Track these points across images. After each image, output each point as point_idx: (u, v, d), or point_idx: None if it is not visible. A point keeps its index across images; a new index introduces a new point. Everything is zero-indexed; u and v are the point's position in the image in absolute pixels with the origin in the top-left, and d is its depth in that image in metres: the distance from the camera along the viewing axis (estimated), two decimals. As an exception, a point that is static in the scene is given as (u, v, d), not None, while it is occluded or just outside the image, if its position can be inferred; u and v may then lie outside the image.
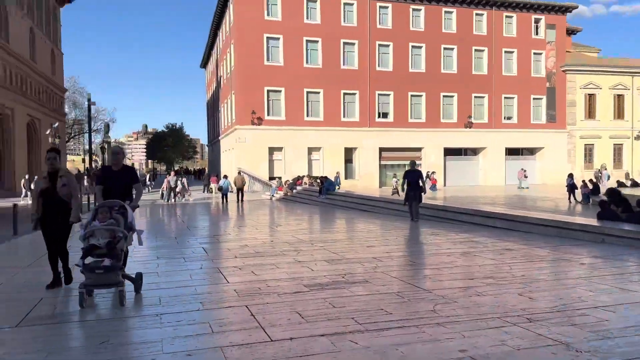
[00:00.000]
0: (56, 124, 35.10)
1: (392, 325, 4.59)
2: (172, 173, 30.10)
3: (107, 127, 77.52)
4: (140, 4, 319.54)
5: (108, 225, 5.58)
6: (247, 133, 38.22)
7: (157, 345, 4.12)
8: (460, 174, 42.11)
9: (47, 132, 34.93)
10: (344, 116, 39.27)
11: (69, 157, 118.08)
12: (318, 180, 28.26)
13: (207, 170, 72.81)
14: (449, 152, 41.84)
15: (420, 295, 5.70)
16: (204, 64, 69.43)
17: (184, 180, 29.53)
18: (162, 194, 28.11)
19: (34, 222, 6.14)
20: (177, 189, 27.75)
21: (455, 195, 26.90)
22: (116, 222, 5.66)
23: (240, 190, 26.38)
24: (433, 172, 36.29)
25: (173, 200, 27.18)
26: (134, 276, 5.93)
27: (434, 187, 33.00)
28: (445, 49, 41.44)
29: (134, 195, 6.65)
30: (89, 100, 70.14)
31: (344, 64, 39.21)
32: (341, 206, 21.76)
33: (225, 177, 28.39)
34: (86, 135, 78.51)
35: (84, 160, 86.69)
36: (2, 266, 8.10)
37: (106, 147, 69.42)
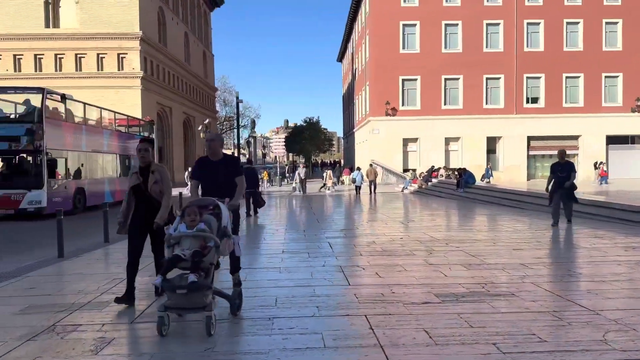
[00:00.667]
0: (207, 120, 37.96)
1: (547, 357, 3.57)
2: (302, 165, 30.71)
3: (252, 123, 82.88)
4: (282, 3, 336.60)
5: (197, 230, 4.33)
6: (381, 124, 37.63)
7: (262, 356, 3.67)
8: (626, 166, 36.61)
9: (199, 128, 38.02)
10: (486, 103, 36.52)
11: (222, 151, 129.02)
12: (456, 173, 26.55)
13: (342, 162, 74.00)
14: (613, 140, 36.60)
15: (584, 318, 4.51)
16: (340, 58, 70.24)
17: (300, 171, 29.63)
18: (294, 187, 28.81)
19: (120, 224, 5.24)
20: (297, 179, 28.17)
21: (622, 190, 23.19)
22: (208, 225, 4.41)
23: (372, 182, 25.89)
24: (601, 163, 32.22)
25: (301, 192, 27.57)
26: (230, 293, 4.75)
27: (604, 180, 29.27)
28: (607, 23, 36.21)
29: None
30: (237, 98, 75.39)
31: (486, 47, 36.41)
32: (482, 201, 20.03)
33: (358, 169, 28.06)
34: (235, 131, 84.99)
35: (233, 154, 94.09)
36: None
37: (251, 141, 74.58)
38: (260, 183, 17.86)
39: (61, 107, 16.48)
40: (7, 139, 14.77)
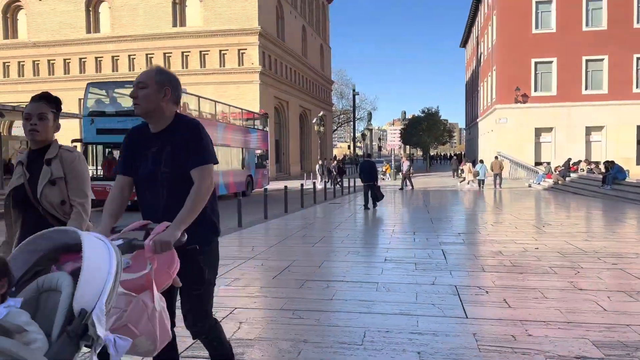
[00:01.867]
0: (321, 113, 37.65)
1: None
2: (404, 158, 28.74)
3: (369, 116, 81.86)
4: None
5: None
6: (509, 112, 34.34)
7: None
8: None
9: (314, 120, 37.83)
10: (636, 87, 31.39)
11: (338, 144, 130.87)
12: (601, 166, 22.88)
13: (463, 154, 69.80)
14: None
15: None
16: (464, 43, 66.15)
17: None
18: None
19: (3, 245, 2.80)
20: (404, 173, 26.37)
21: None
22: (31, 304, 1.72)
23: (497, 176, 23.33)
24: None
25: (408, 186, 25.75)
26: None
27: None
28: None
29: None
30: (353, 90, 74.83)
31: (638, 22, 31.22)
32: (634, 200, 16.73)
33: (481, 161, 25.52)
34: (351, 123, 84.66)
35: (349, 147, 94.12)
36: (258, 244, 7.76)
37: (367, 134, 73.54)
38: (382, 176, 17.42)
39: (175, 100, 16.77)
40: (125, 131, 15.23)
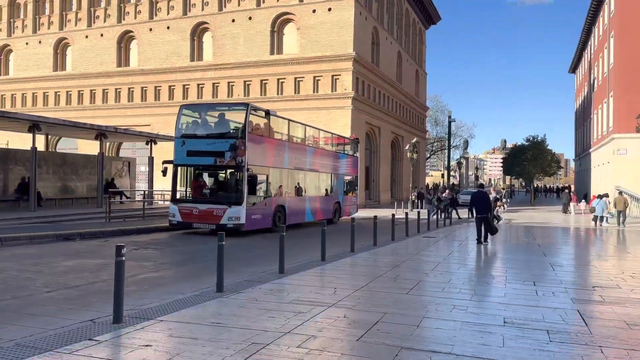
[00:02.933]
0: (414, 140, 36.07)
1: None
2: (444, 189, 26.18)
3: (465, 143, 78.37)
4: (500, 14, 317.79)
5: None
6: (629, 143, 30.83)
7: None
8: None
9: (406, 147, 36.32)
10: None
11: (431, 173, 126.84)
12: None
13: (572, 187, 63.84)
14: None
15: None
16: (573, 69, 61.37)
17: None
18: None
19: None
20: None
21: None
22: None
23: (621, 213, 20.31)
24: None
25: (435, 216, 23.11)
26: None
27: None
28: None
29: None
30: (449, 117, 72.10)
31: None
32: None
33: (601, 196, 22.43)
34: (446, 151, 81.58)
35: (442, 176, 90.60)
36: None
37: (463, 162, 69.97)
38: (496, 207, 15.98)
39: (265, 124, 16.32)
40: (213, 154, 14.97)
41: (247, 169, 14.81)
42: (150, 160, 25.23)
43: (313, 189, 19.67)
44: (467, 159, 78.53)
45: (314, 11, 35.28)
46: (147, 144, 25.46)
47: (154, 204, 24.63)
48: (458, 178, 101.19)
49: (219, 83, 37.64)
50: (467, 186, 74.33)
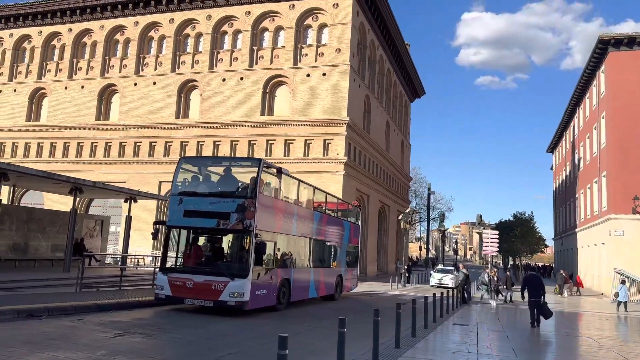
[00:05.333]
0: (407, 210, 34.59)
1: None
2: (493, 270, 24.49)
3: (442, 217, 77.75)
4: (482, 96, 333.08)
5: None
6: (626, 224, 30.16)
7: None
8: None
9: (399, 217, 34.71)
10: None
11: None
12: None
13: (553, 266, 63.01)
14: None
15: None
16: (552, 148, 62.53)
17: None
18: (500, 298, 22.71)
19: None
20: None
21: None
22: None
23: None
24: None
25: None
26: None
27: None
28: None
29: None
30: (428, 189, 71.59)
31: None
32: None
33: (623, 281, 20.93)
34: (423, 223, 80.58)
35: (420, 248, 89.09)
36: None
37: (447, 235, 68.98)
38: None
39: (275, 183, 14.33)
40: (216, 215, 12.74)
41: (256, 235, 12.60)
42: (128, 219, 22.64)
43: (318, 260, 17.46)
44: (442, 231, 77.67)
45: (308, 75, 34.59)
46: (125, 201, 22.98)
47: (128, 270, 21.72)
48: (434, 252, 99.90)
49: (204, 142, 35.84)
50: (444, 260, 72.68)
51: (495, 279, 22.92)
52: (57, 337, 8.33)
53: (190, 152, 35.78)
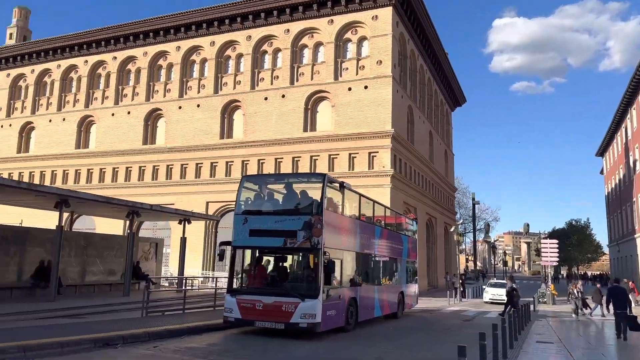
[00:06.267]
0: (460, 221, 33.49)
1: None
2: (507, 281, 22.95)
3: (487, 227, 75.51)
4: (519, 102, 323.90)
5: None
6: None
7: None
8: None
9: (452, 229, 33.63)
10: None
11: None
12: None
13: (610, 275, 59.93)
14: None
15: None
16: (602, 152, 60.08)
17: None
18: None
19: None
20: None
21: None
22: None
23: None
24: None
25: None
26: None
27: None
28: None
29: None
30: (473, 199, 69.77)
31: None
32: None
33: None
34: (467, 234, 78.28)
35: (467, 260, 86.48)
36: None
37: (496, 246, 66.80)
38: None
39: (338, 198, 13.88)
40: (283, 233, 12.35)
41: (325, 253, 12.14)
42: (183, 241, 22.65)
43: (380, 277, 16.83)
44: (492, 243, 75.21)
45: (349, 89, 34.29)
46: (180, 223, 23.02)
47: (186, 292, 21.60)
48: (482, 264, 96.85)
49: (248, 161, 35.89)
50: (494, 273, 70.25)
51: (580, 292, 21.68)
52: (141, 368, 8.02)
53: (236, 171, 35.90)
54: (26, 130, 44.68)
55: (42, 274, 18.21)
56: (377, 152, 33.03)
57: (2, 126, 45.47)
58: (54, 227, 16.94)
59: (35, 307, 14.45)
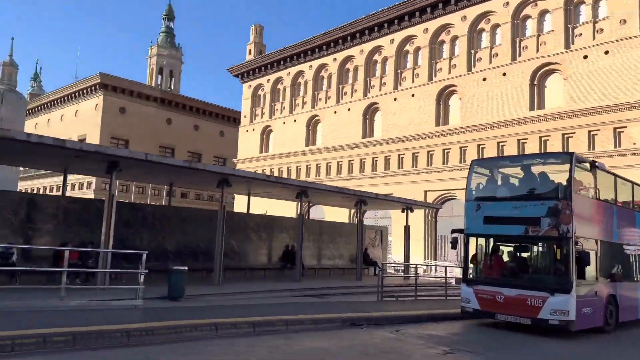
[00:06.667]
0: None
1: None
2: None
3: None
4: None
5: None
6: None
7: None
8: None
9: None
10: None
11: None
12: None
13: None
14: None
15: None
16: None
17: None
18: None
19: None
20: None
21: None
22: None
23: None
24: None
25: None
26: None
27: None
28: None
29: None
30: None
31: None
32: None
33: None
34: None
35: None
36: None
37: None
38: None
39: (589, 180, 12.07)
40: (523, 220, 11.26)
41: (575, 242, 10.67)
42: (407, 229, 22.90)
43: (643, 273, 14.16)
44: None
45: (585, 57, 30.00)
46: (402, 211, 23.33)
47: (412, 279, 21.84)
48: None
49: (466, 147, 34.46)
50: None
51: None
52: (389, 350, 8.19)
53: (454, 159, 34.92)
54: (266, 133, 51.18)
55: (288, 256, 20.47)
56: (625, 126, 28.24)
57: (247, 131, 53.01)
58: (294, 216, 18.81)
59: (284, 285, 16.28)
